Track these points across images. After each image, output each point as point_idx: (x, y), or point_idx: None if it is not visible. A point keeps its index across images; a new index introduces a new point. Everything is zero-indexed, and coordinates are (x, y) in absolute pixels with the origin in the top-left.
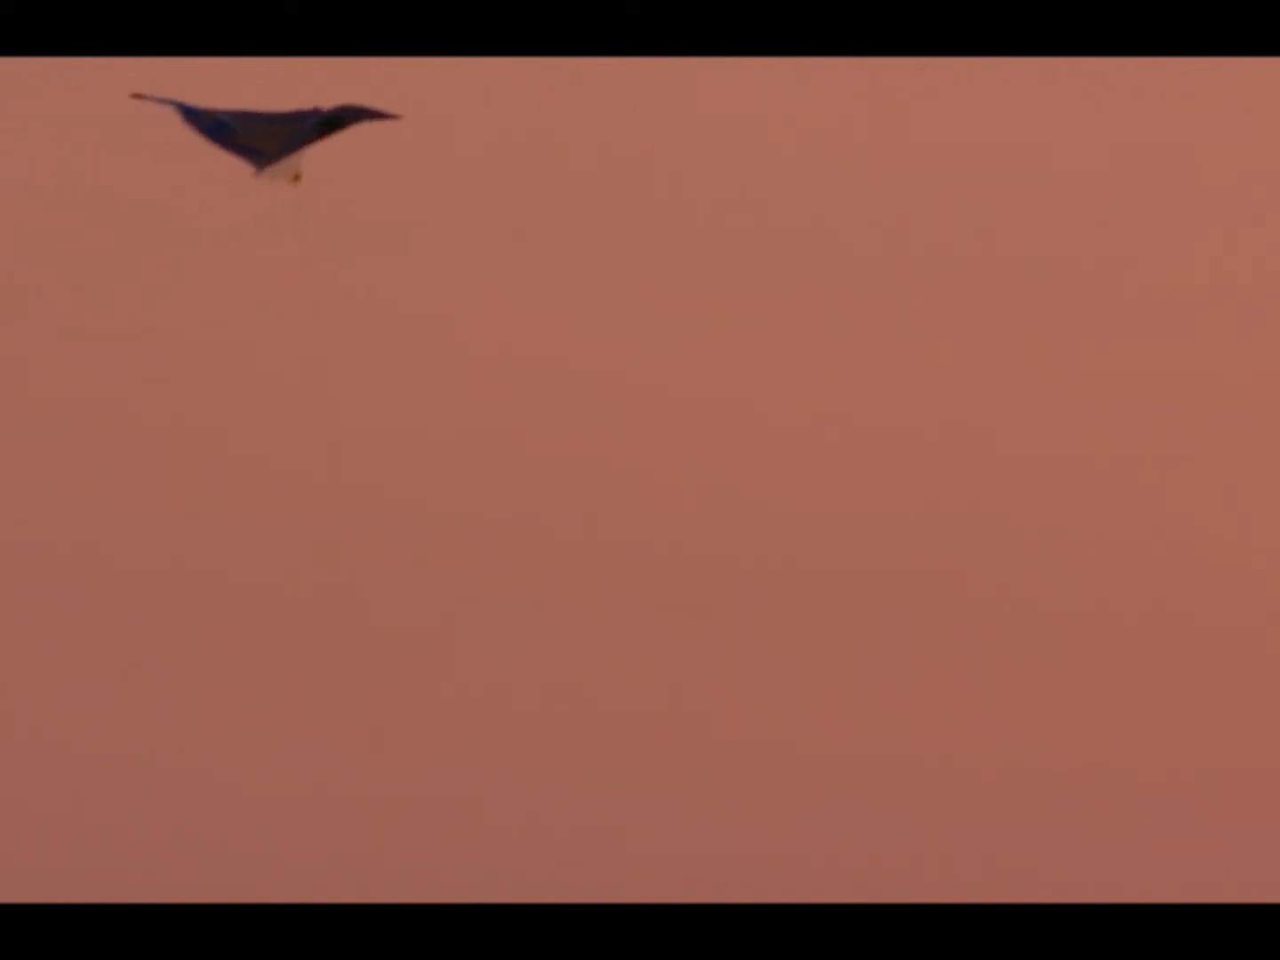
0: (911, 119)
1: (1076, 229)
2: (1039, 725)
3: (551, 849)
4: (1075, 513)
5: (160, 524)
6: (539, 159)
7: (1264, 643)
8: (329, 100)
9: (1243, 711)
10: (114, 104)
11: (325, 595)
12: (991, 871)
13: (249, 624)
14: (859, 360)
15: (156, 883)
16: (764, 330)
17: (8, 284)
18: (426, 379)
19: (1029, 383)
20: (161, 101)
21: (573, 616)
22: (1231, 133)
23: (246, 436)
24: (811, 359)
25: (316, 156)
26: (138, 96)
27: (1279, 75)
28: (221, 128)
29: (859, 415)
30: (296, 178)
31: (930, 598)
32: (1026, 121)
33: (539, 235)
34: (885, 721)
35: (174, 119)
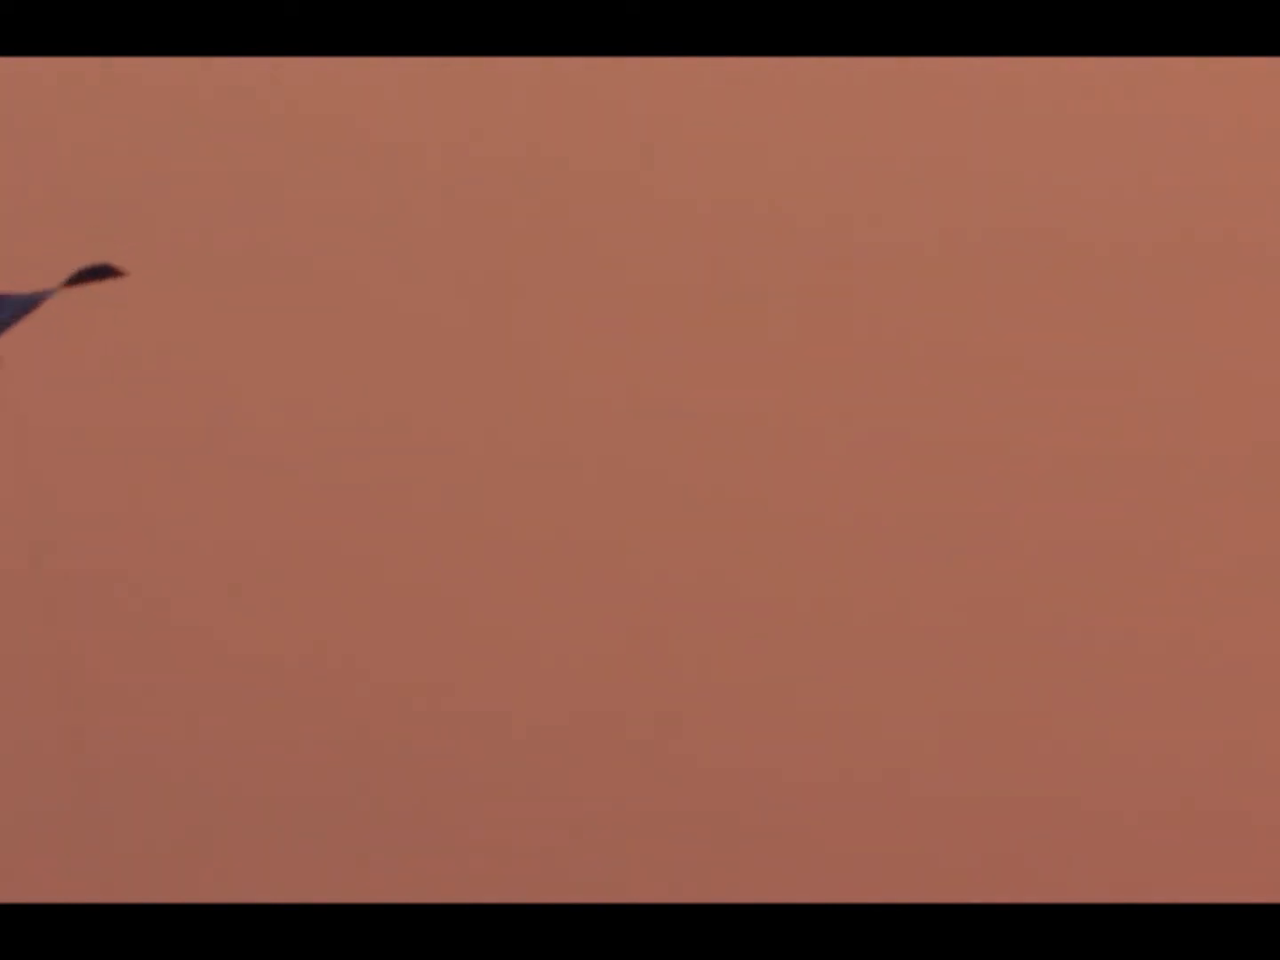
0: (914, 119)
1: (1077, 229)
2: (1039, 726)
3: (551, 848)
4: (1074, 515)
5: (156, 525)
6: (536, 161)
7: (1262, 644)
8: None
9: (1244, 712)
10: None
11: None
12: (991, 871)
13: (247, 623)
14: (861, 360)
15: (156, 883)
16: (765, 332)
17: None
18: (424, 373)
19: (1029, 384)
20: None
21: (574, 615)
22: (1231, 133)
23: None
24: (812, 360)
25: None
26: None
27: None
28: None
29: (858, 414)
30: None
31: (929, 598)
32: (1028, 122)
33: (532, 240)
34: (887, 722)
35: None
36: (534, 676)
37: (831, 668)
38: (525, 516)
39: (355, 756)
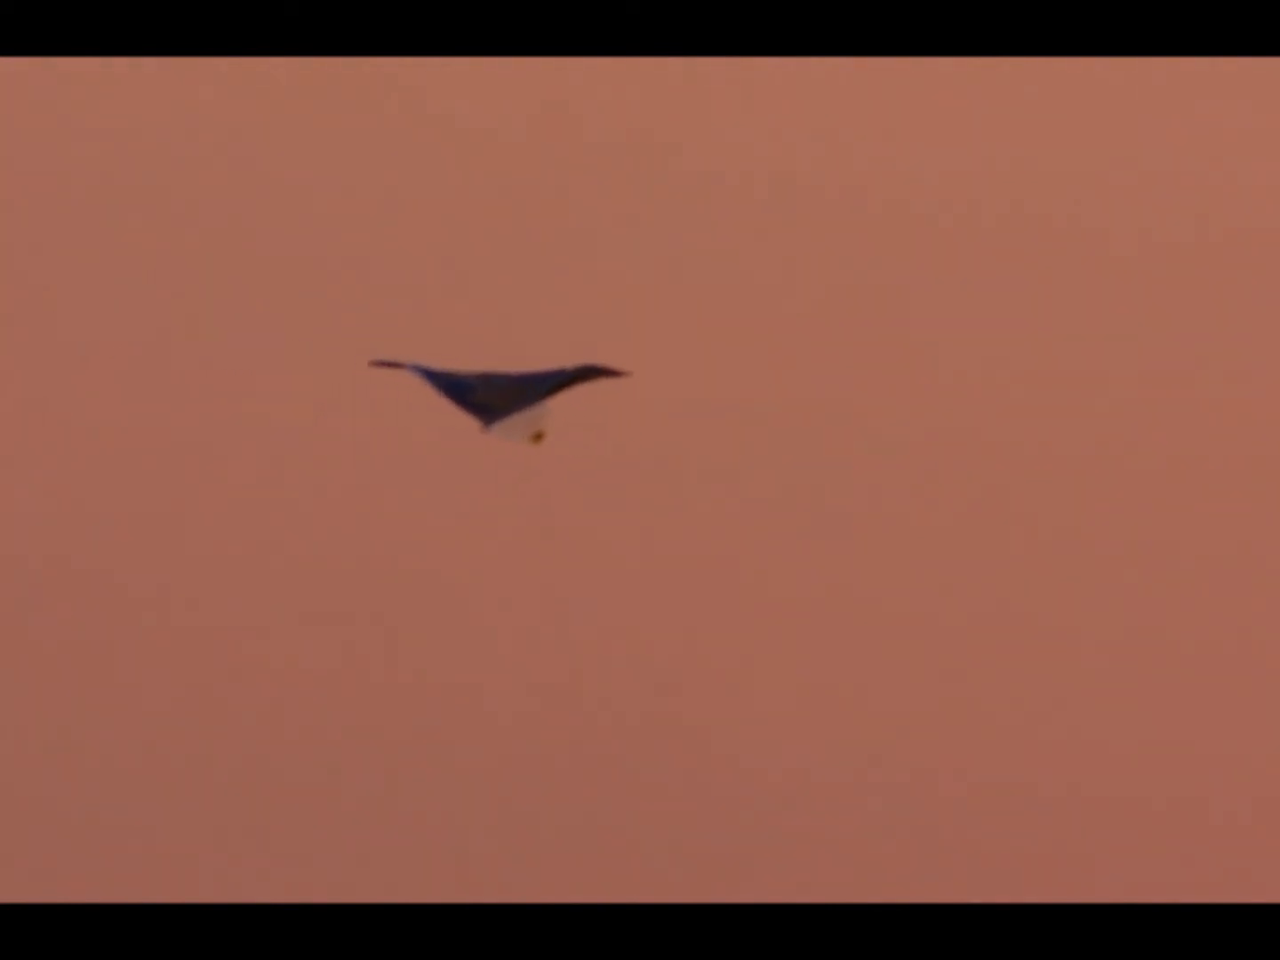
0: (914, 120)
1: (1076, 228)
2: (1041, 728)
3: (552, 849)
4: (1072, 517)
5: (161, 517)
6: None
7: (1260, 646)
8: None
9: (1242, 713)
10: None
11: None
12: (991, 871)
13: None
14: (861, 360)
15: (156, 883)
16: (766, 332)
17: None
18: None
19: (1026, 385)
20: (400, 366)
21: (572, 614)
22: (1231, 133)
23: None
24: (811, 359)
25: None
26: (378, 364)
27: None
28: (459, 387)
29: (857, 415)
30: (539, 436)
31: (928, 595)
32: (1028, 122)
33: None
34: (887, 720)
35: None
36: (533, 677)
37: (830, 669)
38: (526, 517)
39: (354, 756)
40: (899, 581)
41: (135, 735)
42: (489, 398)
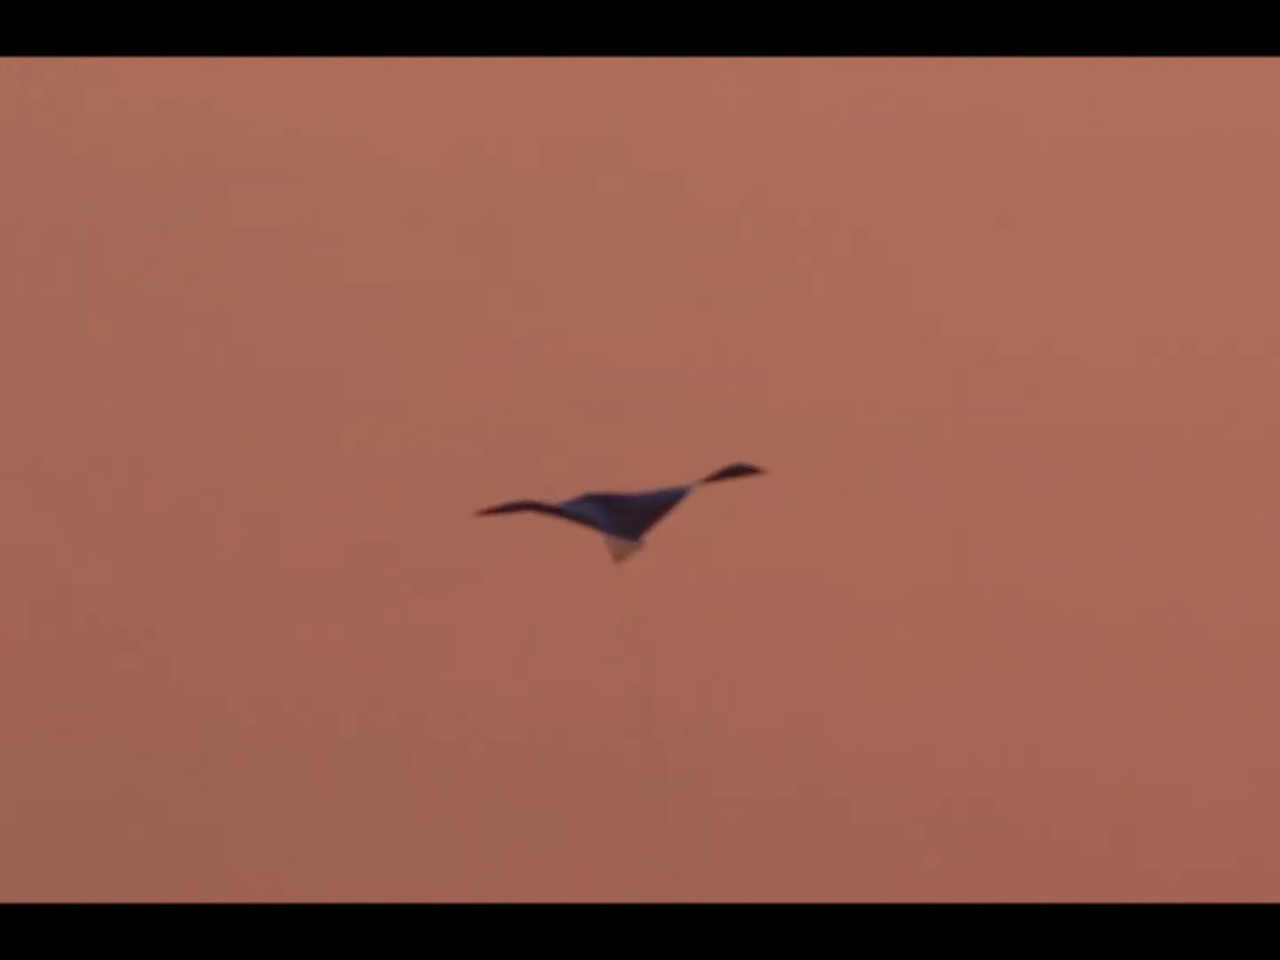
0: (911, 119)
1: (1075, 227)
2: (1041, 731)
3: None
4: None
5: (164, 521)
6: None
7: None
8: None
9: (1243, 716)
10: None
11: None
12: (992, 872)
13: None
14: (856, 360)
15: (157, 883)
16: (759, 330)
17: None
18: (433, 363)
19: (1026, 383)
20: (514, 508)
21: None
22: (1231, 133)
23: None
24: (806, 357)
25: None
26: (486, 512)
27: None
28: (579, 516)
29: (852, 410)
30: (628, 552)
31: (928, 598)
32: (1026, 121)
33: (536, 237)
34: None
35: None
36: (533, 686)
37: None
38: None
39: (357, 759)
40: (895, 585)
41: (142, 737)
42: (610, 523)
